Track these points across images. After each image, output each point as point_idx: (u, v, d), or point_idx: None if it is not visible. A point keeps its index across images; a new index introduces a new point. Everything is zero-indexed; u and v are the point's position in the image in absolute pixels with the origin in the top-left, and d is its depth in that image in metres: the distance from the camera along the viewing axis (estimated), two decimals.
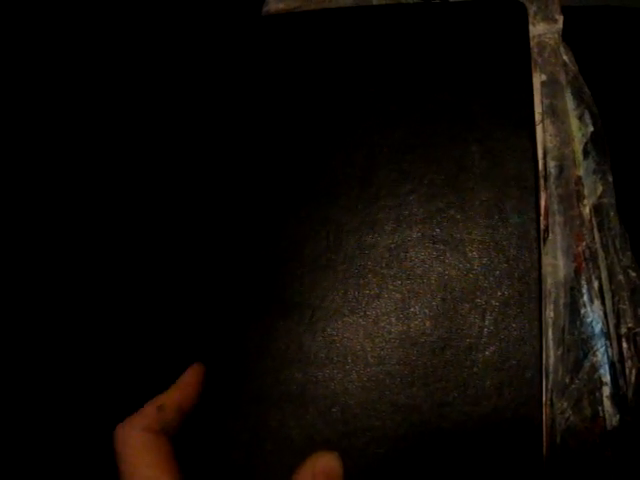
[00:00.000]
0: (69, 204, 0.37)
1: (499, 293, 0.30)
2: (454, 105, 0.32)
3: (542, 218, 0.31)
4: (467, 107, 0.32)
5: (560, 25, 0.32)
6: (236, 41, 0.35)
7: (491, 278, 0.30)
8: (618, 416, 0.29)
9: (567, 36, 0.32)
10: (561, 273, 0.31)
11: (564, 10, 0.32)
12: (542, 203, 0.31)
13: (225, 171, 0.34)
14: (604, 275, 0.31)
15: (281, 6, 0.34)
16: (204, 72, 0.36)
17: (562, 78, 0.32)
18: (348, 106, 0.33)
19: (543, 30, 0.32)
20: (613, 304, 0.30)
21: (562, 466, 0.29)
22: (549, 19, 0.32)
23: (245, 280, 0.32)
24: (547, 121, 0.32)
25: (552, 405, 0.30)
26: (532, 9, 0.33)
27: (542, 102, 0.32)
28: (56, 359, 0.34)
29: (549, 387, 0.30)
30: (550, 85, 0.32)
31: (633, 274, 0.30)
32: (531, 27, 0.33)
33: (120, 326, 0.34)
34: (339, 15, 0.34)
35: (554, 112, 0.32)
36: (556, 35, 0.32)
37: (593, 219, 0.31)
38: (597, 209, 0.31)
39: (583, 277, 0.31)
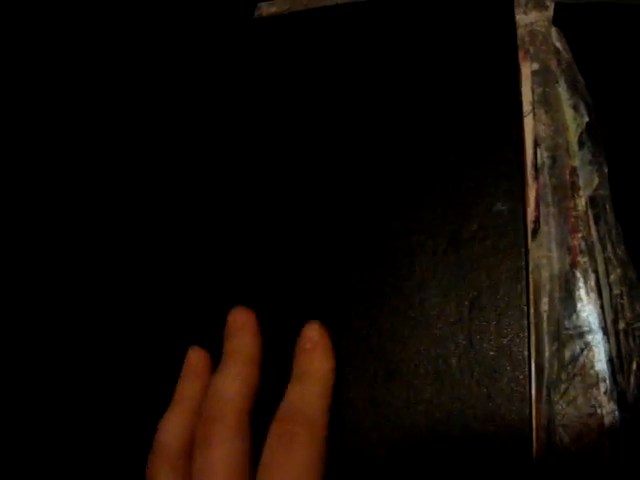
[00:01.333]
0: (70, 204, 0.37)
1: (485, 289, 0.29)
2: (438, 98, 0.31)
3: (533, 209, 0.30)
4: (451, 99, 0.31)
5: (551, 12, 0.31)
6: (230, 45, 0.36)
7: (476, 274, 0.29)
8: (616, 413, 0.28)
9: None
10: (556, 266, 0.30)
11: (557, 6, 0.31)
12: (533, 194, 0.30)
13: (210, 177, 0.34)
14: (601, 269, 0.30)
15: (273, 10, 0.35)
16: (199, 75, 0.37)
17: (554, 66, 0.31)
18: (343, 105, 0.34)
19: (534, 18, 0.31)
20: (611, 298, 0.29)
21: (558, 463, 0.29)
22: (540, 6, 0.31)
23: (237, 290, 0.32)
24: (540, 110, 0.31)
25: (547, 401, 0.29)
26: None
27: (533, 91, 0.31)
28: (53, 360, 0.35)
29: (544, 383, 0.29)
30: (542, 74, 0.31)
31: (630, 268, 0.29)
32: (522, 16, 0.32)
33: (114, 329, 0.35)
34: (329, 14, 0.34)
35: (547, 101, 0.31)
36: (547, 22, 0.31)
37: (589, 211, 0.30)
38: (593, 201, 0.30)
39: (579, 270, 0.30)
